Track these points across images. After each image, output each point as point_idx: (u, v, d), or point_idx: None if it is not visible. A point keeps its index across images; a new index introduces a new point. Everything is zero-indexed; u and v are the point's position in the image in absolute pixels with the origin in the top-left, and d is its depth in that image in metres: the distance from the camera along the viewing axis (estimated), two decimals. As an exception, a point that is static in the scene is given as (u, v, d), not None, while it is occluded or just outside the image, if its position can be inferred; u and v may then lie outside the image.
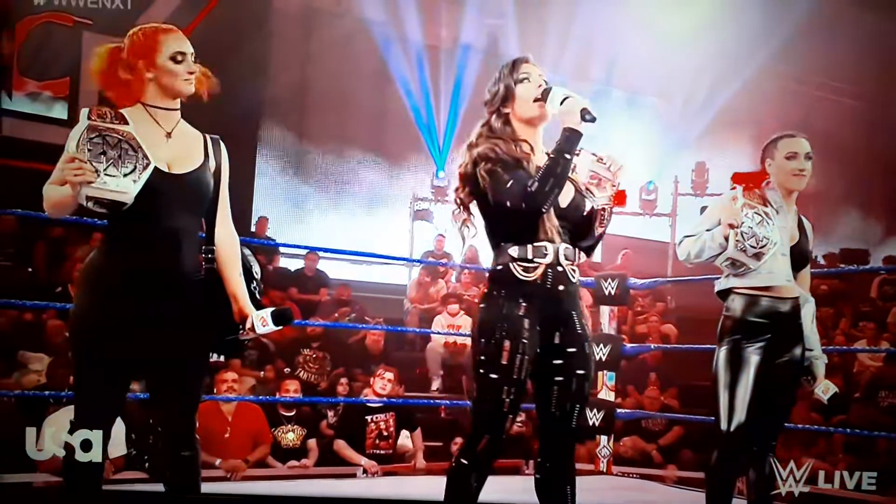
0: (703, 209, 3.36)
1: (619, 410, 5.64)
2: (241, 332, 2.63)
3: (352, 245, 7.66)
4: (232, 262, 2.67)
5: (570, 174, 2.53)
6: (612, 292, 5.52)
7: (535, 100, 2.58)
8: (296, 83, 10.46)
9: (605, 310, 5.70)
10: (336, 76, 10.44)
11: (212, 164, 2.64)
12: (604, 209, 2.60)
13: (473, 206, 2.62)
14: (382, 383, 5.74)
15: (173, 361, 2.58)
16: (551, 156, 2.48)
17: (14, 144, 7.34)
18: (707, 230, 3.18)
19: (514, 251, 2.52)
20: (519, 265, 2.52)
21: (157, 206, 2.50)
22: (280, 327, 2.64)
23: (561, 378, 2.56)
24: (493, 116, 2.64)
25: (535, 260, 2.51)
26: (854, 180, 11.53)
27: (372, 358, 7.05)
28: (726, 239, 3.10)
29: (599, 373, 5.55)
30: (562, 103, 2.51)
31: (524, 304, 2.51)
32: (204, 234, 2.67)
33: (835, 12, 10.26)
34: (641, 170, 10.34)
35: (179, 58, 2.57)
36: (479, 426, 2.54)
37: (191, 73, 2.58)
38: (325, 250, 7.73)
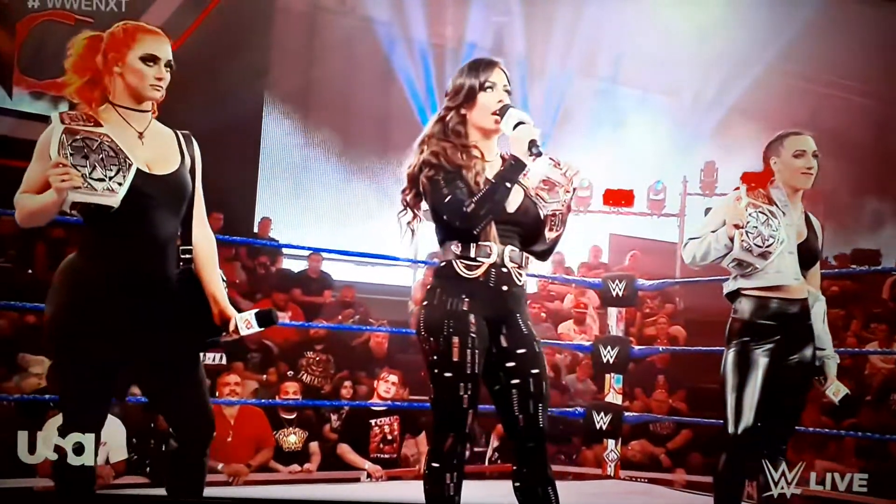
0: (708, 210, 3.36)
1: (626, 414, 5.63)
2: (223, 334, 2.64)
3: (356, 246, 7.65)
4: (211, 263, 2.68)
5: (520, 179, 2.56)
6: (620, 293, 5.53)
7: (493, 113, 2.59)
8: (299, 83, 10.46)
9: (612, 311, 5.69)
10: (340, 76, 10.43)
11: (188, 162, 2.62)
12: (555, 214, 2.63)
13: (421, 204, 2.66)
14: (386, 386, 5.73)
15: (163, 364, 2.58)
16: (492, 181, 2.52)
17: (14, 144, 7.35)
18: (712, 232, 3.18)
19: (457, 248, 2.56)
20: (462, 262, 2.55)
21: (141, 208, 2.49)
22: (263, 329, 2.66)
23: (517, 381, 2.58)
24: (451, 114, 2.64)
25: (479, 259, 2.55)
26: (864, 179, 11.49)
27: (376, 361, 7.04)
28: (731, 240, 3.10)
29: (607, 375, 5.54)
30: (514, 128, 2.53)
31: (467, 300, 2.54)
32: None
33: (842, 9, 10.22)
34: (649, 169, 10.32)
35: (151, 61, 2.54)
36: (442, 426, 2.58)
37: (159, 78, 2.55)
38: (329, 251, 7.73)
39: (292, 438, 5.61)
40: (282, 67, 10.29)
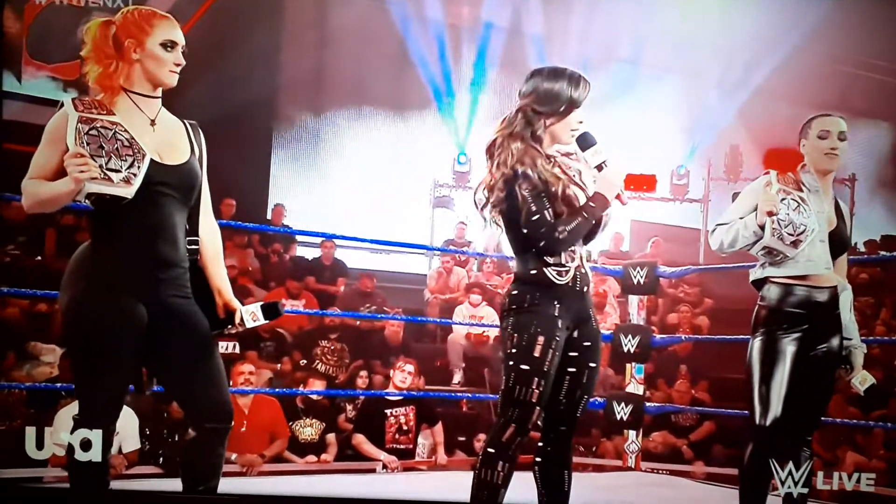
0: (735, 196, 3.34)
1: (647, 404, 5.62)
2: (229, 326, 2.68)
3: (370, 233, 7.66)
4: (216, 256, 2.72)
5: (585, 180, 2.78)
6: (641, 281, 5.50)
7: (573, 130, 2.73)
8: (311, 67, 10.46)
9: (633, 299, 5.68)
10: (353, 59, 10.42)
11: (197, 152, 2.65)
12: (607, 214, 2.79)
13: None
14: (402, 376, 5.75)
15: (178, 353, 2.60)
16: (584, 215, 2.67)
17: (23, 129, 7.38)
18: (740, 218, 3.16)
19: (549, 258, 2.70)
20: (554, 269, 2.70)
21: (153, 198, 2.52)
22: (269, 321, 2.72)
23: (574, 370, 2.76)
24: (541, 121, 2.72)
25: (567, 264, 2.71)
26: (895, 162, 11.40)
27: (391, 349, 7.06)
28: (762, 227, 3.08)
29: (627, 365, 5.53)
30: (599, 168, 2.70)
31: (558, 306, 2.70)
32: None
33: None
34: (672, 153, 10.26)
35: (170, 46, 2.57)
36: (506, 416, 2.68)
37: (178, 64, 2.59)
38: (343, 238, 7.74)
39: (309, 430, 5.64)
40: (294, 50, 10.28)
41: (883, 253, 8.91)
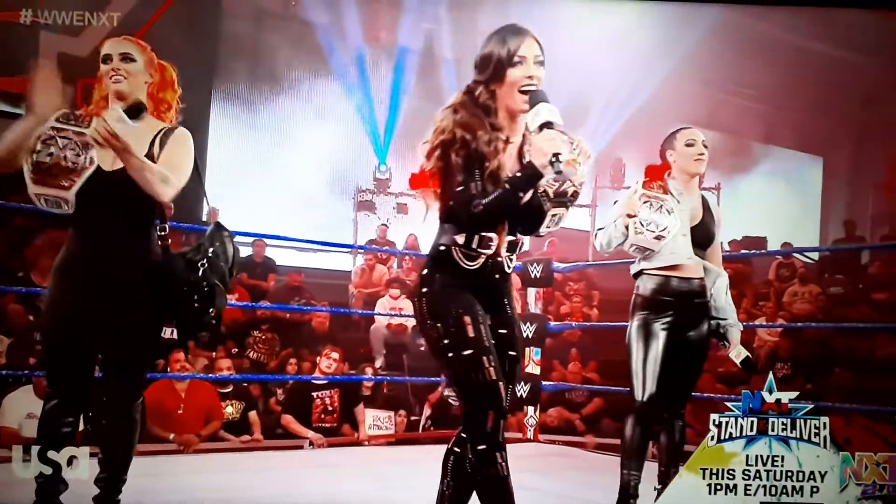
0: (616, 203, 3.45)
1: (544, 383, 5.73)
2: (208, 314, 2.64)
3: (299, 233, 7.61)
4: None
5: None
6: (538, 275, 5.62)
7: (521, 90, 2.25)
8: (245, 80, 10.34)
9: (531, 291, 5.78)
10: (283, 74, 10.35)
11: (156, 153, 2.61)
12: (555, 215, 2.34)
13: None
14: (328, 362, 5.73)
15: (125, 343, 2.58)
16: (506, 186, 2.19)
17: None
18: (614, 222, 3.28)
19: (460, 238, 2.26)
20: (462, 252, 2.26)
21: (97, 203, 2.50)
22: (133, 120, 2.53)
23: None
24: (480, 88, 2.28)
25: (479, 250, 2.27)
26: (754, 174, 11.91)
27: (318, 339, 7.02)
28: (626, 228, 3.21)
29: (526, 349, 5.62)
30: (540, 129, 2.19)
31: (465, 283, 2.27)
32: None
33: (736, 23, 10.52)
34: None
35: (107, 59, 2.59)
36: (477, 405, 2.22)
37: (115, 70, 2.57)
38: (273, 237, 7.66)
39: (230, 409, 5.57)
40: (228, 66, 10.16)
41: (744, 251, 9.28)
